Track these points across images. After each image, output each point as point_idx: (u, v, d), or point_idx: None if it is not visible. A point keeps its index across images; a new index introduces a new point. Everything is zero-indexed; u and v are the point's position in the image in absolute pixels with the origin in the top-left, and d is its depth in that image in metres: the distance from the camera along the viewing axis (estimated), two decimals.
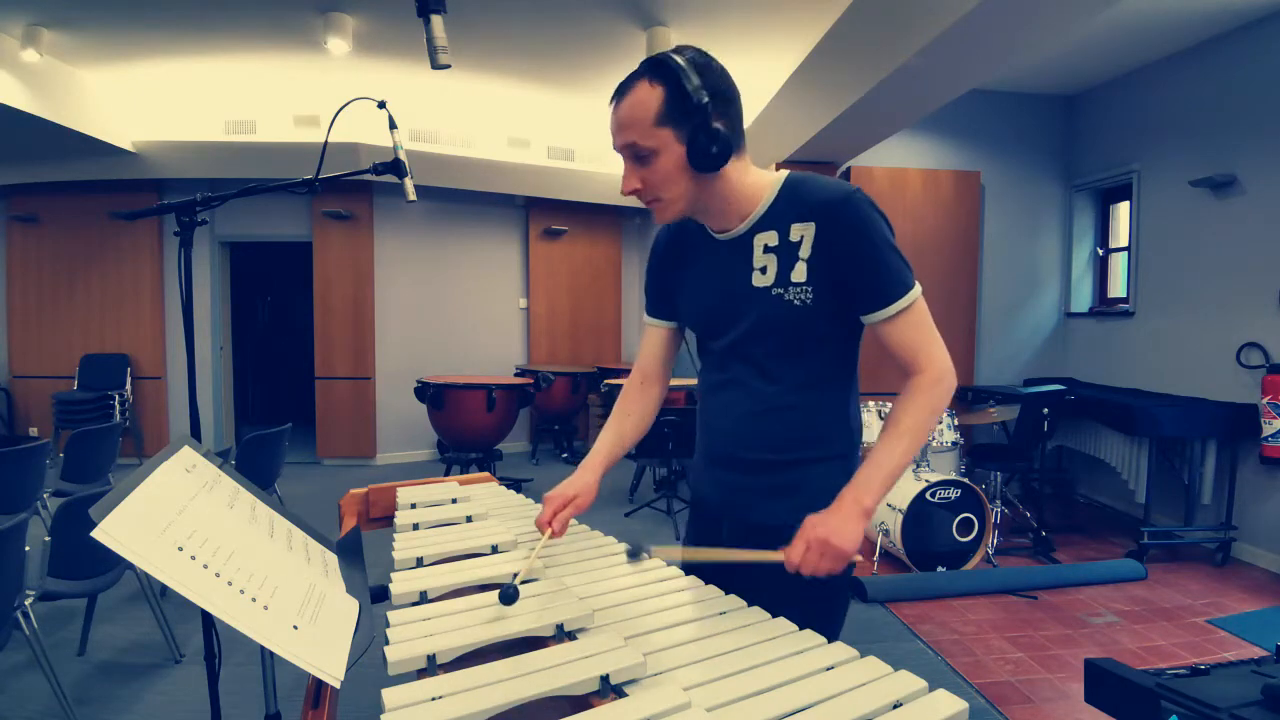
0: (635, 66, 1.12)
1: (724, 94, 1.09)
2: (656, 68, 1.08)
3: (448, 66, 1.87)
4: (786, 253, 1.14)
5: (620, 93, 1.11)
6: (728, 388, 1.25)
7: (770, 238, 1.16)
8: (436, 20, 1.84)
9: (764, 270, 1.16)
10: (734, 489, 1.25)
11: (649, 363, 1.40)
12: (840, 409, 1.22)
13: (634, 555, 1.13)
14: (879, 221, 1.11)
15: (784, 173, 1.20)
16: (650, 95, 1.07)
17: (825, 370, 1.20)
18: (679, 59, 1.07)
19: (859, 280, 1.12)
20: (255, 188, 1.67)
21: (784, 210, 1.16)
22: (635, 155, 1.10)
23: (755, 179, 1.18)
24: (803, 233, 1.13)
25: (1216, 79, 4.27)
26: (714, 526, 1.29)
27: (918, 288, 1.14)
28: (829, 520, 1.03)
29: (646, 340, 1.41)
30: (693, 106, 1.05)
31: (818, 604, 1.04)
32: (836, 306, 1.14)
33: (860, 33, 3.53)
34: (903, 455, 1.10)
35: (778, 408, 1.20)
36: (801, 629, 0.95)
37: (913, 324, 1.13)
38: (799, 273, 1.13)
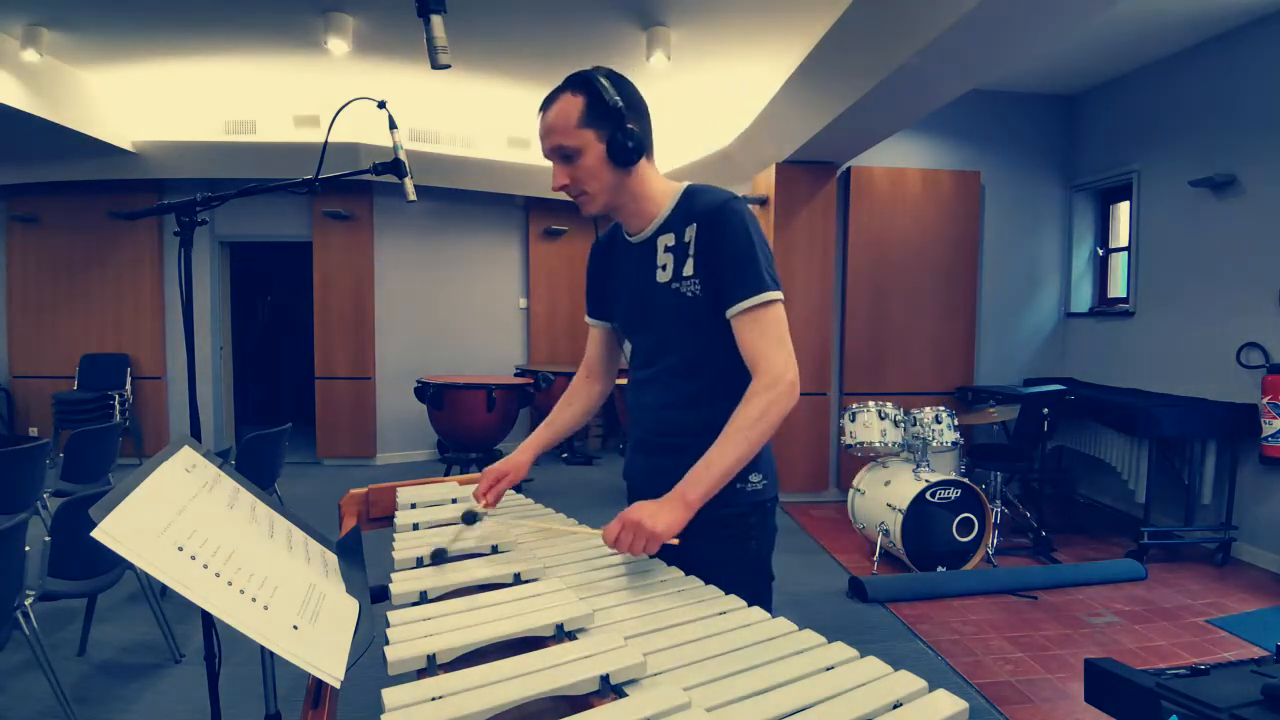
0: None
1: (635, 104, 1.27)
2: (576, 81, 1.26)
3: (448, 66, 1.87)
4: (680, 251, 1.29)
5: (546, 104, 1.28)
6: (648, 381, 1.38)
7: (669, 239, 1.31)
8: (436, 20, 1.84)
9: (664, 268, 1.31)
10: (650, 472, 1.38)
11: (592, 360, 1.59)
12: None
13: (469, 519, 1.27)
14: (751, 227, 1.25)
15: (684, 184, 1.35)
16: (573, 103, 1.24)
17: (733, 364, 1.27)
18: (595, 74, 1.26)
19: (721, 275, 1.24)
20: (255, 188, 1.67)
21: (681, 215, 1.31)
22: (562, 155, 1.27)
23: (663, 186, 1.34)
24: (691, 233, 1.28)
25: (1216, 79, 4.27)
26: None
27: (773, 295, 1.23)
28: (649, 506, 1.14)
29: (589, 340, 1.59)
30: (609, 110, 1.23)
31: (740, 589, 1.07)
32: (718, 299, 1.26)
33: (860, 33, 3.53)
34: (732, 454, 1.18)
35: (688, 397, 1.32)
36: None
37: (759, 327, 1.23)
38: (688, 268, 1.28)
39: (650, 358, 1.38)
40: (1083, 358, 5.42)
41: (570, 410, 1.57)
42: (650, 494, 1.28)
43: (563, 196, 1.33)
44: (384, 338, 6.49)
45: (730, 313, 1.24)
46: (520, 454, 1.47)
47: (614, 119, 1.23)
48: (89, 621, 2.79)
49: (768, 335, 1.22)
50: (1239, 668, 1.67)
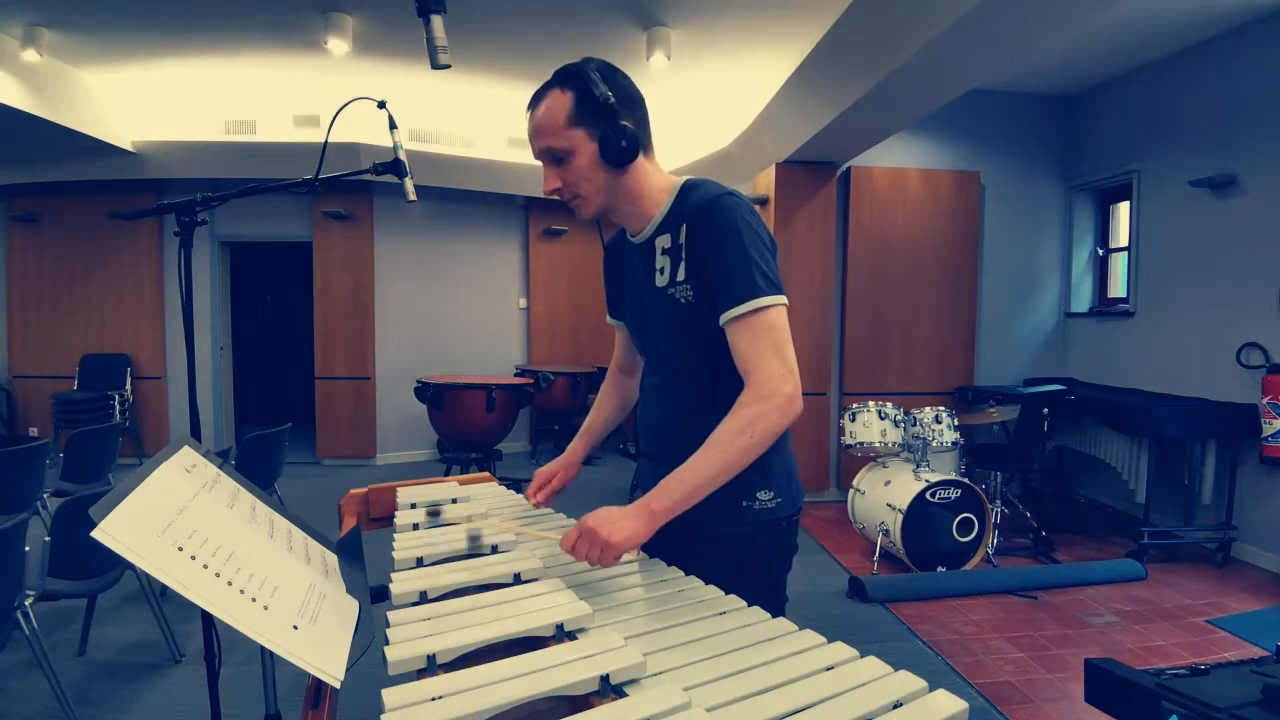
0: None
1: (630, 97, 1.18)
2: (565, 76, 1.17)
3: (448, 66, 1.87)
4: (675, 254, 1.21)
5: (534, 102, 1.19)
6: (656, 387, 1.33)
7: (665, 240, 1.23)
8: (436, 20, 1.84)
9: (662, 271, 1.24)
10: (654, 484, 1.27)
11: (621, 358, 1.57)
12: None
13: (434, 514, 1.29)
14: (741, 225, 1.14)
15: (682, 179, 1.26)
16: (561, 100, 1.16)
17: (729, 375, 1.17)
18: (585, 68, 1.16)
19: (711, 279, 1.15)
20: (255, 188, 1.67)
21: (676, 213, 1.22)
22: (553, 157, 1.18)
23: (661, 182, 1.25)
24: (683, 234, 1.19)
25: (1216, 79, 4.27)
26: None
27: (771, 300, 1.12)
28: (610, 514, 1.05)
29: (617, 338, 1.57)
30: (601, 107, 1.14)
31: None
32: (711, 305, 1.17)
33: (860, 33, 3.53)
34: (707, 469, 1.08)
35: (687, 408, 1.25)
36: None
37: (752, 334, 1.12)
38: (681, 272, 1.20)
39: (655, 365, 1.33)
40: (1083, 358, 5.42)
41: (606, 407, 1.56)
42: None
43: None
44: (384, 338, 6.49)
45: (723, 320, 1.14)
46: (569, 454, 1.48)
47: (606, 116, 1.15)
48: (89, 621, 2.79)
49: (759, 343, 1.11)
50: (1239, 668, 1.67)
